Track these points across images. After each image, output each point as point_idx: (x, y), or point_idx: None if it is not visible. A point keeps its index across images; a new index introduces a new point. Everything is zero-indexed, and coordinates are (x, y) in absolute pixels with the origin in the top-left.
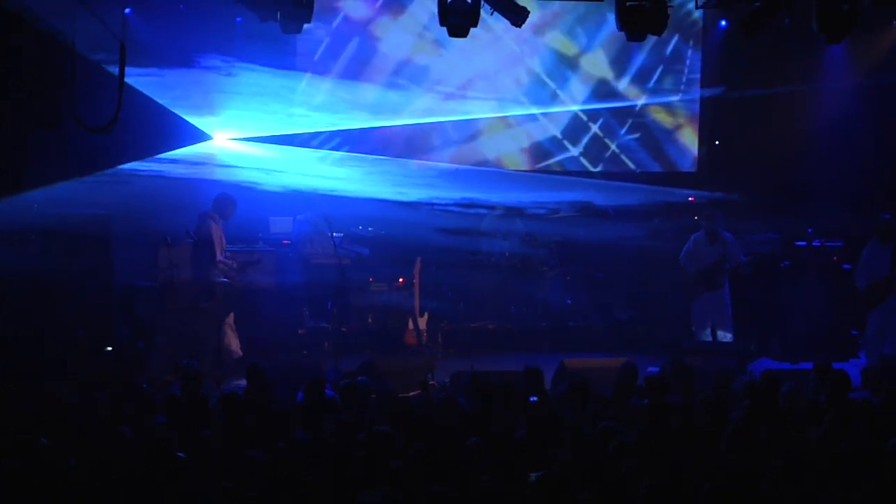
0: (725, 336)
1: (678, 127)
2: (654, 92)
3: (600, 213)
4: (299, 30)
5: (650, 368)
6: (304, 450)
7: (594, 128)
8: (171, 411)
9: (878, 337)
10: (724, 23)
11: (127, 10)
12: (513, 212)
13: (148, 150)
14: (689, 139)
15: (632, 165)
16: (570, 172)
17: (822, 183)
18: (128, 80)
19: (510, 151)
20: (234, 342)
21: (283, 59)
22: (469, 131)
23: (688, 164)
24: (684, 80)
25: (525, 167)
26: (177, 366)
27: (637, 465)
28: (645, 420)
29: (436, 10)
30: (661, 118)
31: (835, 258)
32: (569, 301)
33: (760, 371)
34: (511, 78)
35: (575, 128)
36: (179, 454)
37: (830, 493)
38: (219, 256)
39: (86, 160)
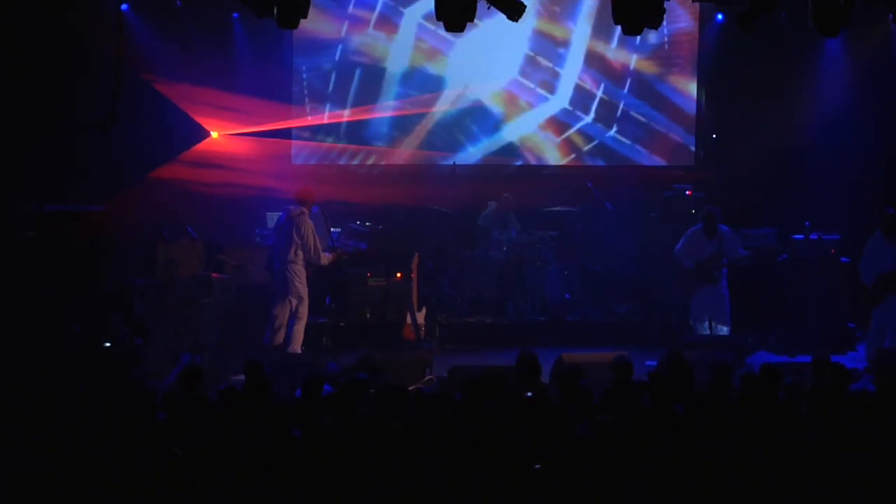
0: (722, 329)
1: (675, 117)
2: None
3: (598, 206)
4: (296, 25)
5: (648, 362)
6: (301, 446)
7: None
8: (170, 407)
9: (881, 332)
10: (720, 16)
11: (124, 6)
12: (512, 209)
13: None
14: (687, 132)
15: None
16: (568, 166)
17: (820, 176)
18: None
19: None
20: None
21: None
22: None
23: (685, 158)
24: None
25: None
26: (174, 357)
27: (632, 458)
28: (641, 415)
29: (422, 20)
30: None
31: (832, 251)
32: (567, 295)
33: (759, 364)
34: (510, 66)
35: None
36: (178, 451)
37: (830, 486)
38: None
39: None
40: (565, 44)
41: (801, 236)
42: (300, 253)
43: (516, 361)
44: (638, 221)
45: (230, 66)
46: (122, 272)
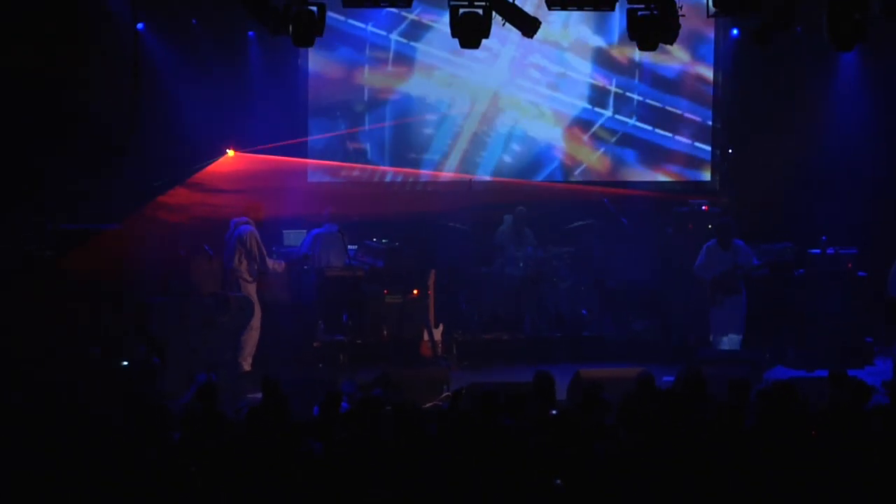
0: (735, 339)
1: (692, 135)
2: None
3: (614, 222)
4: (311, 43)
5: (665, 378)
6: (318, 462)
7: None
8: (187, 427)
9: None
10: (735, 31)
11: (139, 26)
12: (527, 222)
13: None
14: (703, 148)
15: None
16: (585, 183)
17: (836, 190)
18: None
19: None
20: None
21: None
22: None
23: (702, 173)
24: None
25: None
26: (190, 376)
27: (652, 475)
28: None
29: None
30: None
31: (849, 265)
32: (583, 311)
33: (775, 379)
34: (524, 78)
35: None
36: (194, 468)
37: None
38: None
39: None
40: (572, 48)
41: (818, 251)
42: (244, 261)
43: (533, 381)
44: (654, 237)
45: (246, 85)
46: (140, 291)
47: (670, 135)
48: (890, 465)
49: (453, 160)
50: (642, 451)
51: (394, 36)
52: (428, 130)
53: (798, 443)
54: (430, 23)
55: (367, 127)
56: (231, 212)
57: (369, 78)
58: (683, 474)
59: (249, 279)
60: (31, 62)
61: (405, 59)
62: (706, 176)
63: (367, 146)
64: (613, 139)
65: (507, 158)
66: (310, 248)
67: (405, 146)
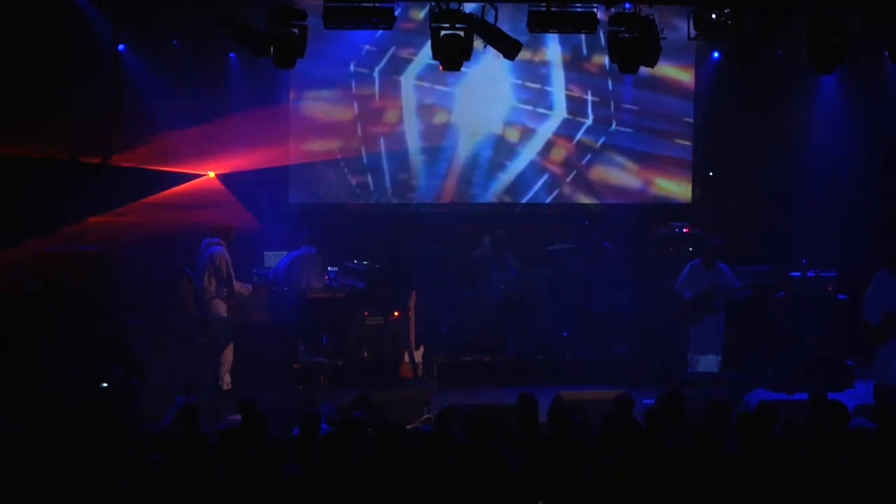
0: (713, 360)
1: (673, 160)
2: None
3: (596, 245)
4: (292, 65)
5: (646, 401)
6: (298, 485)
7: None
8: (168, 449)
9: (885, 372)
10: (716, 54)
11: (121, 47)
12: (506, 244)
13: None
14: (684, 170)
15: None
16: (564, 206)
17: (816, 213)
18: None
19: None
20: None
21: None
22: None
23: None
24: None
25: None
26: (169, 398)
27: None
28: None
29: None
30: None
31: (829, 288)
32: (565, 333)
33: (756, 402)
34: (503, 101)
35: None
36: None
37: None
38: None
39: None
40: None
41: (799, 273)
42: (213, 281)
43: (517, 403)
44: (636, 260)
45: (227, 105)
46: (118, 312)
47: (651, 137)
48: (871, 488)
49: (439, 188)
50: (622, 473)
51: (376, 71)
52: (414, 159)
53: (778, 465)
54: (409, 56)
55: (352, 156)
56: (208, 232)
57: (354, 111)
58: (663, 496)
59: (220, 299)
60: (11, 83)
61: (390, 93)
62: (687, 189)
63: (350, 173)
64: (598, 145)
65: (492, 181)
66: (285, 272)
67: (393, 177)
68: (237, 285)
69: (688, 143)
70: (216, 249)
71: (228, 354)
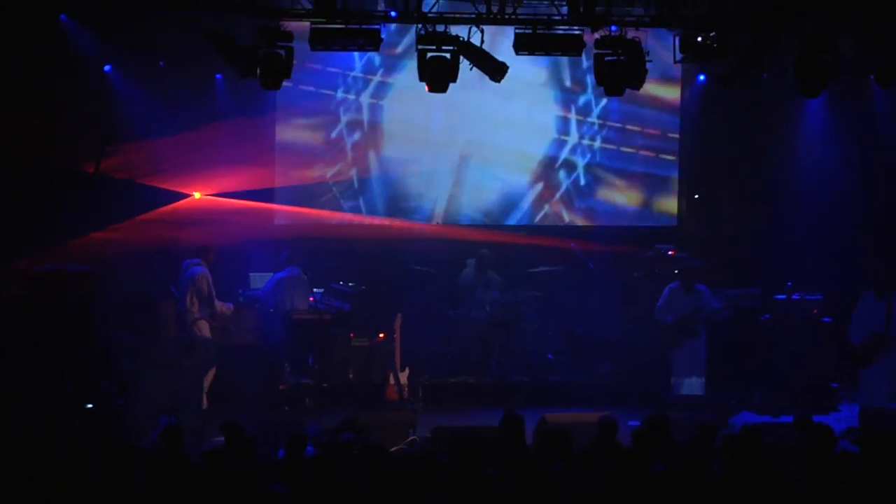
0: (696, 382)
1: (659, 178)
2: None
3: (581, 266)
4: (278, 86)
5: (631, 423)
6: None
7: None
8: (153, 469)
9: (871, 392)
10: (702, 77)
11: (106, 68)
12: (491, 264)
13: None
14: (670, 193)
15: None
16: (551, 227)
17: (801, 236)
18: None
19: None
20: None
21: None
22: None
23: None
24: None
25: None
26: (153, 418)
27: None
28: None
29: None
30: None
31: (815, 311)
32: (550, 356)
33: (741, 425)
34: (489, 121)
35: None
36: None
37: None
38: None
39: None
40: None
41: (784, 296)
42: (195, 301)
43: (501, 422)
44: (621, 282)
45: (213, 126)
46: (108, 331)
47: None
48: None
49: (428, 211)
50: (607, 495)
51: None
52: (404, 182)
53: (763, 488)
54: (390, 80)
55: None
56: (191, 253)
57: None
58: None
59: (205, 320)
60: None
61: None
62: (673, 209)
63: (339, 195)
64: (584, 162)
65: (480, 203)
66: (270, 294)
67: (383, 197)
68: (218, 305)
69: (674, 161)
70: (197, 270)
71: (209, 375)
